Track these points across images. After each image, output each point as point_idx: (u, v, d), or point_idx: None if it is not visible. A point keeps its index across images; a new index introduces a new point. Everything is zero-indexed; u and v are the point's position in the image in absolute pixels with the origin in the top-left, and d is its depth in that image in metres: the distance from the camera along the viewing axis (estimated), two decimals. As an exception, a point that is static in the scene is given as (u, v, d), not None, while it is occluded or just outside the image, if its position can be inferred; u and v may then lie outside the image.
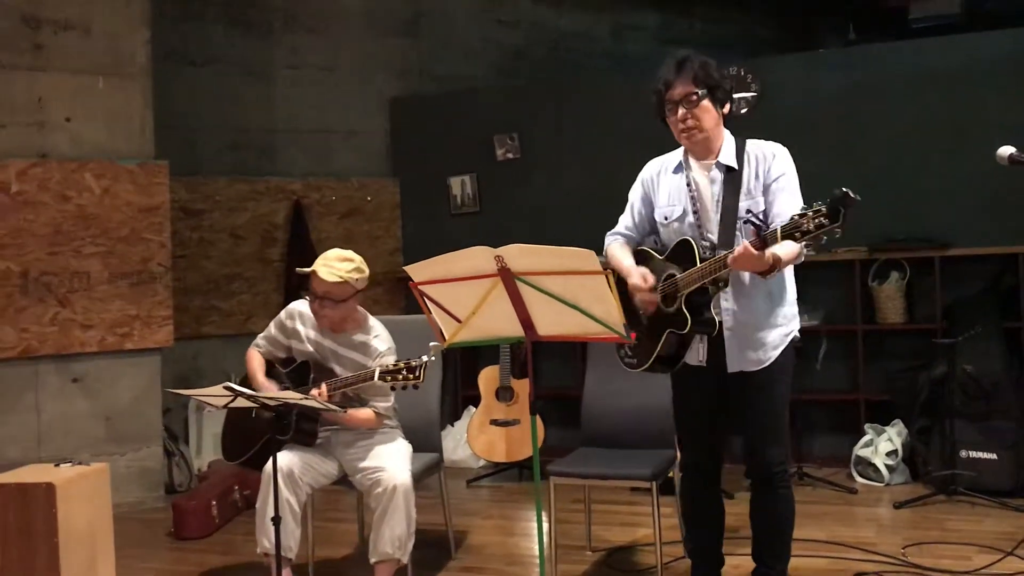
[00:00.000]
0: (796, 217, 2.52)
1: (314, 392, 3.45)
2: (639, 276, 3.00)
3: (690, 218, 3.02)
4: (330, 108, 6.47)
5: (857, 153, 5.52)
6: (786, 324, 3.04)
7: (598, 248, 3.34)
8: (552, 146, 6.23)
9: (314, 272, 3.52)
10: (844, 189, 2.41)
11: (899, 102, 5.47)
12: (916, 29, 6.75)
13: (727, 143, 3.02)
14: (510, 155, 6.35)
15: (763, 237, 2.60)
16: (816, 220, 2.47)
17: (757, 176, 2.97)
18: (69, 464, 3.65)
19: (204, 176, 6.04)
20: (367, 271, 3.62)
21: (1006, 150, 2.81)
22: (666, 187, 3.11)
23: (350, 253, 3.62)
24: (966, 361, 4.82)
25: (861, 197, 5.69)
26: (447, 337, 2.78)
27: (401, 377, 3.35)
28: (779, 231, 2.56)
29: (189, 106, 6.01)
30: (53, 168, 4.84)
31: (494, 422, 5.41)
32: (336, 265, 3.53)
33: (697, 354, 3.04)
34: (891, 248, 5.35)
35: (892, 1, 7.00)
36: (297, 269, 3.70)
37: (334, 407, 3.43)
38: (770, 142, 3.06)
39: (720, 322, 2.94)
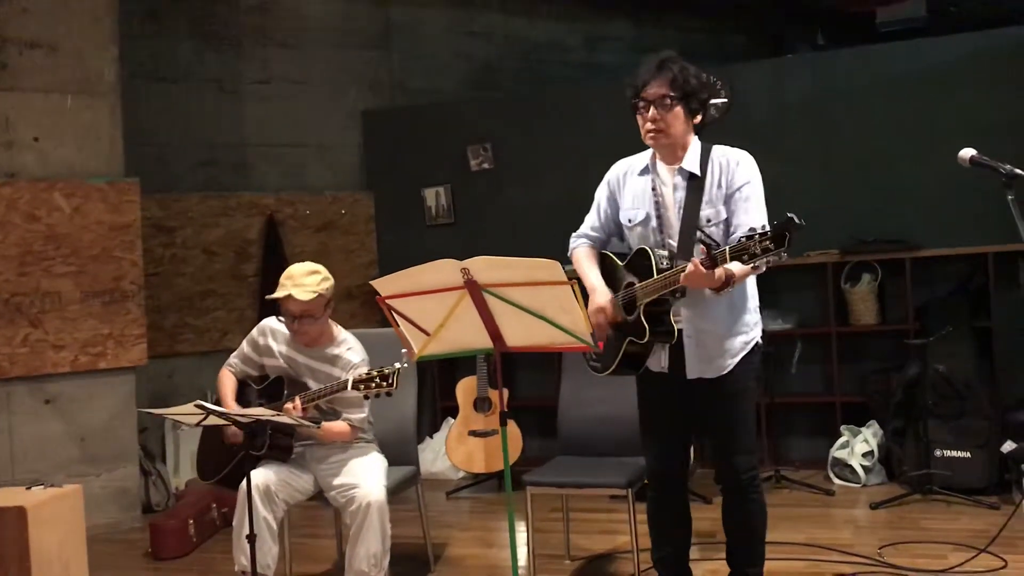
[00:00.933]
0: (744, 240, 2.53)
1: (288, 406, 3.43)
2: (606, 301, 3.00)
3: (653, 223, 3.03)
4: (302, 122, 6.46)
5: (827, 157, 5.58)
6: (748, 332, 3.05)
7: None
8: (526, 156, 6.25)
9: (289, 296, 3.51)
10: (790, 215, 2.43)
11: (867, 106, 5.53)
12: (883, 33, 6.82)
13: (692, 149, 3.02)
14: (484, 165, 6.36)
15: (713, 256, 2.61)
16: (763, 244, 2.48)
17: (719, 185, 2.97)
18: (41, 487, 3.61)
19: (176, 193, 6.01)
20: (332, 279, 3.63)
21: (967, 152, 2.84)
22: (631, 189, 3.11)
23: (312, 265, 3.62)
24: (938, 361, 4.86)
25: (832, 199, 5.74)
26: (416, 350, 2.78)
27: (374, 385, 3.34)
28: (728, 252, 2.57)
29: (159, 123, 5.99)
30: (22, 188, 4.81)
31: (473, 433, 5.40)
32: (307, 282, 3.53)
33: (659, 360, 3.05)
34: (862, 250, 5.40)
35: (859, 6, 7.07)
36: (267, 297, 3.68)
37: (307, 422, 3.42)
38: (736, 149, 3.05)
39: (680, 330, 2.95)
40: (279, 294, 3.53)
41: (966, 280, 5.36)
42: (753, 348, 3.05)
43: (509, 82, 7.08)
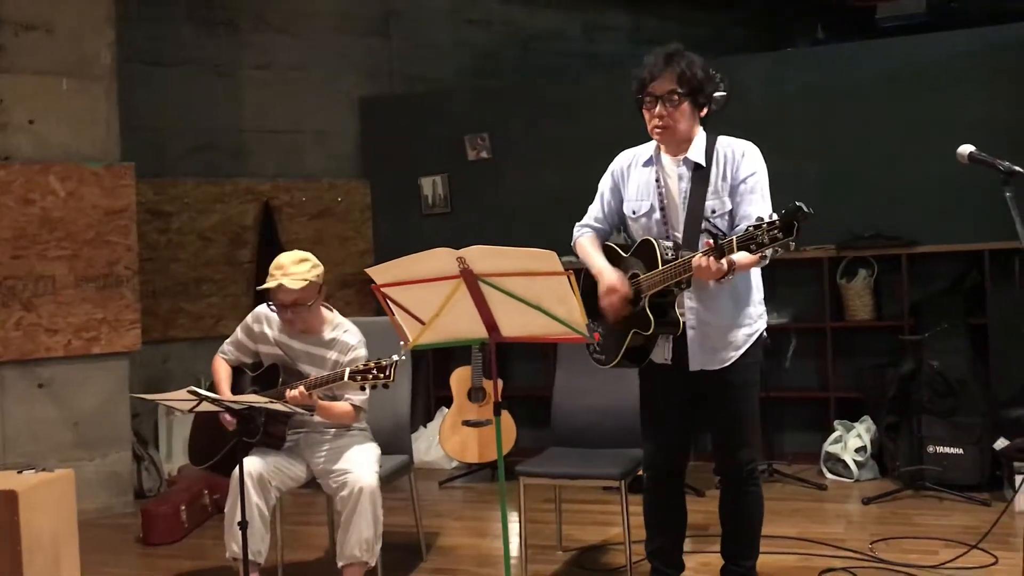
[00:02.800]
0: (751, 229, 2.53)
1: (292, 393, 3.41)
2: (618, 279, 2.97)
3: (657, 215, 3.02)
4: (300, 109, 6.43)
5: (825, 152, 5.56)
6: (751, 324, 3.04)
7: (569, 248, 3.35)
8: (523, 146, 6.23)
9: (280, 285, 3.50)
10: (798, 203, 2.43)
11: (866, 101, 5.51)
12: (883, 28, 6.81)
13: (698, 140, 3.01)
14: (482, 155, 6.34)
15: (719, 247, 2.61)
16: (771, 233, 2.48)
17: (724, 176, 2.96)
18: (33, 471, 3.61)
19: (172, 178, 5.99)
20: (321, 266, 3.61)
21: (965, 148, 2.84)
22: (635, 180, 3.09)
23: (301, 253, 3.61)
24: (933, 357, 4.87)
25: (829, 194, 5.72)
26: (411, 339, 2.77)
27: (371, 377, 3.33)
28: (735, 242, 2.57)
29: (156, 107, 5.95)
30: (16, 171, 4.78)
31: (466, 423, 5.40)
32: (297, 270, 3.51)
33: (663, 352, 3.04)
34: (859, 246, 5.39)
35: (860, 1, 7.05)
36: (258, 288, 3.66)
37: (299, 410, 3.41)
38: (741, 140, 3.04)
39: (684, 321, 2.94)
40: (270, 284, 3.52)
41: (962, 277, 5.36)
42: (756, 340, 3.04)
43: (507, 71, 7.05)
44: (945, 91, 5.35)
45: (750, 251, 2.54)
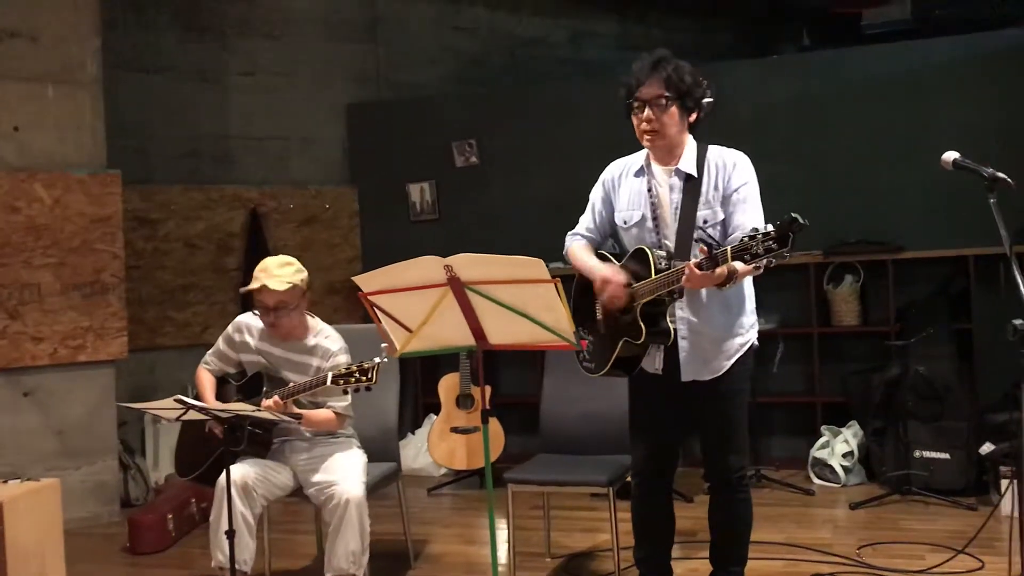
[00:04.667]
0: (746, 240, 2.53)
1: (267, 403, 3.41)
2: (612, 269, 2.96)
3: (649, 224, 3.01)
4: (286, 115, 6.42)
5: (811, 158, 5.59)
6: (744, 334, 3.04)
7: (557, 255, 3.35)
8: (511, 153, 6.24)
9: (263, 287, 3.49)
10: (793, 215, 2.43)
11: (852, 107, 5.55)
12: (868, 35, 6.85)
13: (688, 149, 3.01)
14: (470, 161, 6.34)
15: (714, 256, 2.61)
16: (765, 244, 2.49)
17: (716, 186, 2.96)
18: (18, 480, 3.59)
19: (158, 185, 5.96)
20: (306, 271, 3.61)
21: (950, 155, 2.85)
22: (627, 190, 3.09)
23: (285, 257, 3.61)
24: (919, 363, 4.89)
25: (815, 200, 5.74)
26: (398, 347, 2.77)
27: (354, 380, 3.33)
28: (729, 252, 2.57)
29: (142, 114, 5.93)
30: (1, 178, 4.75)
31: (455, 430, 5.40)
32: (281, 273, 3.51)
33: (654, 362, 3.04)
34: (845, 251, 5.42)
35: (845, 8, 7.10)
36: (241, 290, 3.66)
37: (287, 417, 3.40)
38: (732, 150, 3.04)
39: (675, 331, 2.94)
40: (253, 286, 3.52)
41: (947, 282, 5.39)
42: (748, 349, 3.05)
43: (495, 78, 7.06)
44: (930, 98, 5.39)
45: (744, 261, 2.55)
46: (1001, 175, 2.70)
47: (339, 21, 6.63)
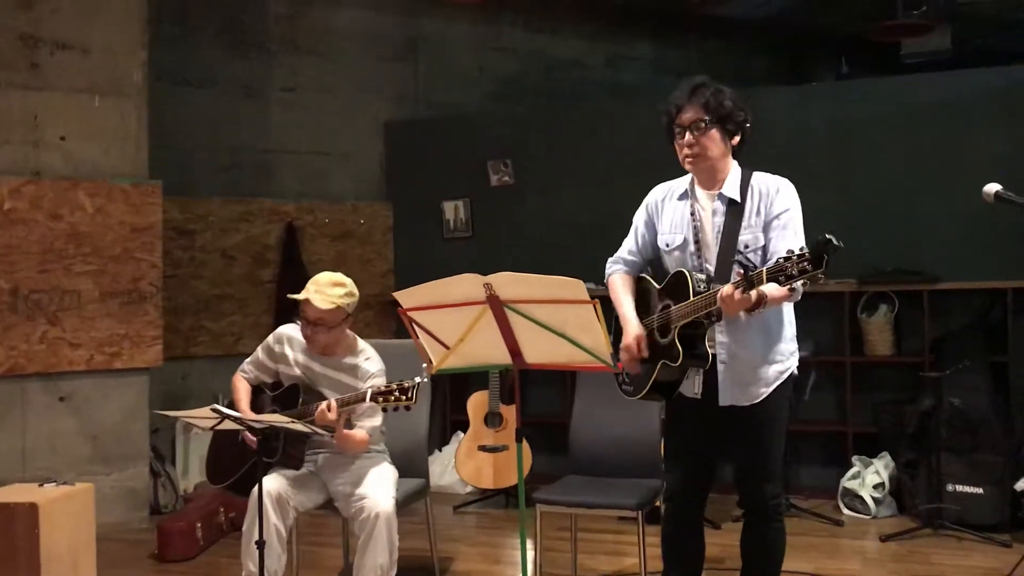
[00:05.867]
0: (781, 260, 2.52)
1: (322, 407, 3.41)
2: (634, 339, 3.00)
3: (691, 248, 3.01)
4: (325, 131, 6.50)
5: (847, 186, 5.57)
6: (783, 361, 3.02)
7: (590, 274, 3.36)
8: (545, 173, 6.26)
9: (307, 300, 3.52)
10: (828, 236, 2.42)
11: (889, 136, 5.52)
12: (907, 65, 6.83)
13: (732, 174, 3.01)
14: (504, 180, 6.37)
15: (749, 278, 2.61)
16: (800, 265, 2.47)
17: (759, 211, 2.96)
18: (53, 484, 3.63)
19: (197, 196, 6.05)
20: (357, 294, 3.62)
21: (992, 187, 2.84)
22: (670, 214, 3.10)
23: (341, 277, 3.62)
24: (953, 395, 4.83)
25: (851, 229, 5.71)
26: (435, 363, 2.78)
27: (393, 399, 3.34)
28: (764, 274, 2.57)
29: (184, 126, 6.03)
30: (46, 186, 4.85)
31: (482, 448, 5.40)
32: (328, 291, 3.53)
33: (693, 386, 3.02)
34: (880, 281, 5.38)
35: (884, 36, 7.08)
36: (289, 296, 3.69)
37: (321, 431, 3.42)
38: (777, 176, 3.04)
39: (714, 355, 2.94)
40: (299, 296, 3.55)
41: (983, 314, 5.34)
42: (788, 378, 3.02)
43: (531, 99, 7.11)
44: (968, 127, 5.35)
45: (779, 283, 2.54)
46: (1044, 208, 2.68)
47: (380, 39, 6.71)
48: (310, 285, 3.56)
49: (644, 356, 2.98)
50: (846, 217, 5.46)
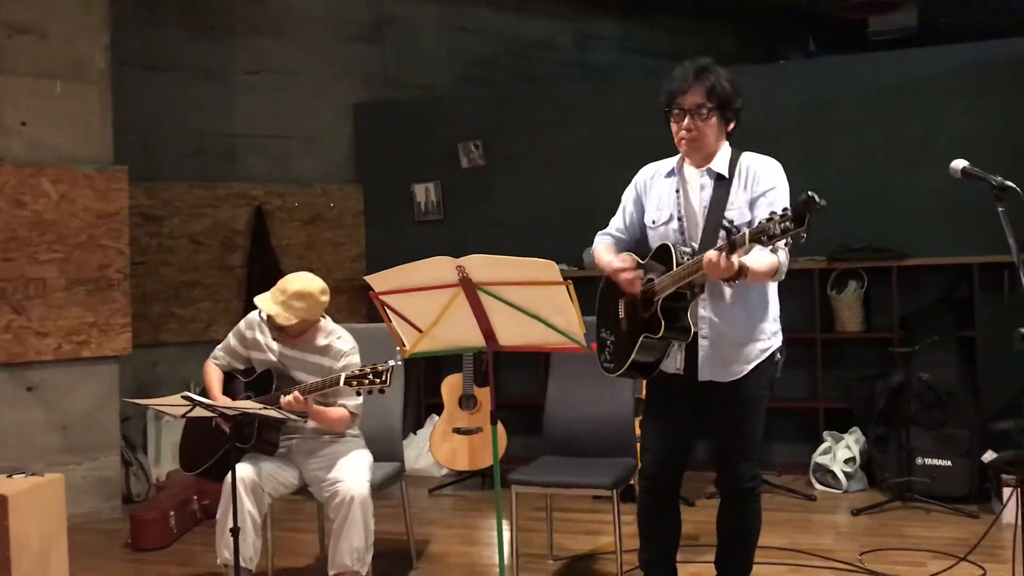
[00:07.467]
0: (763, 221, 2.52)
1: (287, 399, 3.41)
2: (619, 259, 3.00)
3: (675, 224, 3.02)
4: (292, 114, 6.42)
5: (816, 164, 5.58)
6: (766, 340, 3.02)
7: (562, 255, 3.36)
8: (516, 154, 6.24)
9: (270, 315, 3.53)
10: (810, 193, 2.38)
11: (857, 114, 5.56)
12: (875, 42, 6.86)
13: (723, 152, 3.02)
14: (475, 162, 6.35)
15: (732, 241, 2.59)
16: (783, 224, 2.46)
17: (745, 188, 2.97)
18: (23, 475, 3.58)
19: (164, 182, 5.97)
20: (327, 295, 3.60)
21: (959, 163, 2.85)
22: (657, 191, 3.11)
23: (309, 283, 3.56)
24: (922, 370, 4.90)
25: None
26: (408, 347, 2.77)
27: (367, 382, 3.34)
28: (747, 235, 2.56)
29: (149, 111, 5.94)
30: (8, 173, 4.76)
31: (457, 430, 5.40)
32: (295, 305, 3.51)
33: (675, 362, 3.02)
34: (849, 258, 5.42)
35: (852, 14, 7.11)
36: (255, 299, 3.66)
37: (293, 416, 3.41)
38: (766, 157, 3.05)
39: (696, 331, 2.94)
40: (266, 309, 3.53)
41: (951, 289, 5.40)
42: (769, 356, 3.03)
43: (500, 79, 7.07)
44: (936, 105, 5.40)
45: (762, 243, 2.51)
46: (1010, 184, 2.70)
47: (346, 21, 6.64)
48: (277, 292, 3.54)
49: (633, 264, 2.96)
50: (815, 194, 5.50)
